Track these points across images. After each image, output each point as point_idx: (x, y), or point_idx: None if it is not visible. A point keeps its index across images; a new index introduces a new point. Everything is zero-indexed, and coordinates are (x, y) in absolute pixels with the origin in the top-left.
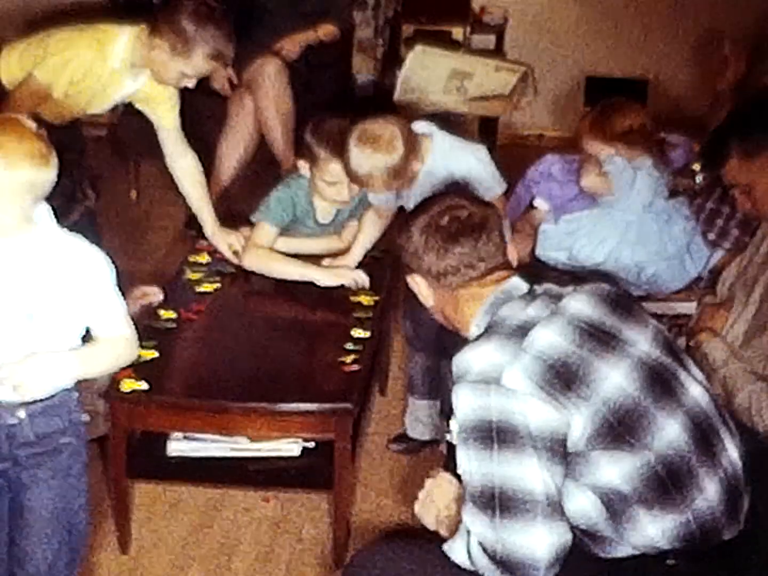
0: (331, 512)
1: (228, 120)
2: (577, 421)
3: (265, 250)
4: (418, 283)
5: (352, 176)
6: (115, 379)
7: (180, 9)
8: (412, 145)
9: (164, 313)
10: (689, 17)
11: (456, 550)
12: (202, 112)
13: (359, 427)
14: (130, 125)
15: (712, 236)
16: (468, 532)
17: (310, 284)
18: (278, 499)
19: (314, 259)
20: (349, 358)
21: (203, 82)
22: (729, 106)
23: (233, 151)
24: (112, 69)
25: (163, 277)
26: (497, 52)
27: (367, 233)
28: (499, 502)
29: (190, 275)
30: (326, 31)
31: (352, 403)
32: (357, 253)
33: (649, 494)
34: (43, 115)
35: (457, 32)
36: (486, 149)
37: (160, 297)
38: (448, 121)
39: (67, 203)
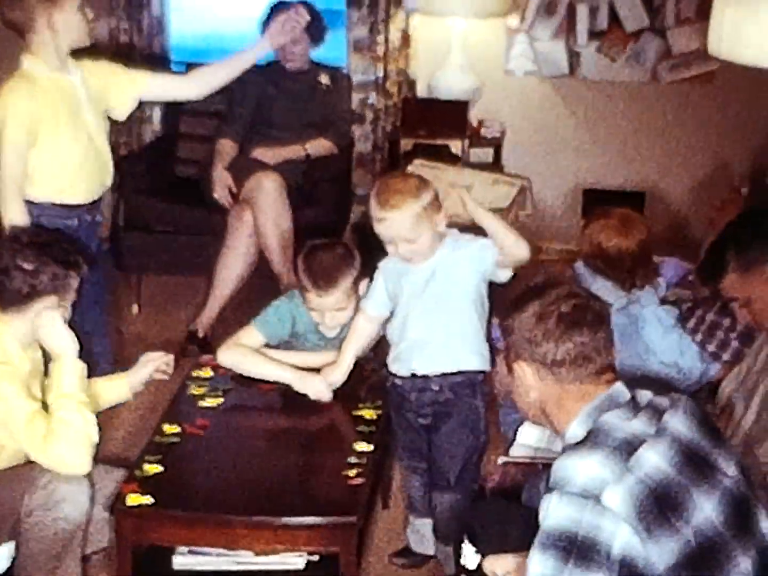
0: None
1: (227, 234)
2: (664, 549)
3: (244, 348)
4: (524, 372)
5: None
6: (120, 493)
7: None
8: (438, 200)
9: (168, 428)
10: (686, 130)
11: None
12: (202, 226)
13: (363, 540)
14: (131, 239)
15: (711, 348)
16: None
17: (313, 399)
18: None
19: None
20: (352, 472)
21: (204, 194)
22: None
23: (233, 264)
24: (45, 78)
25: (166, 391)
26: (495, 165)
27: (356, 341)
28: None
29: (194, 390)
30: (315, 145)
31: (356, 517)
32: (346, 363)
33: None
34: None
35: (456, 146)
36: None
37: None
38: None
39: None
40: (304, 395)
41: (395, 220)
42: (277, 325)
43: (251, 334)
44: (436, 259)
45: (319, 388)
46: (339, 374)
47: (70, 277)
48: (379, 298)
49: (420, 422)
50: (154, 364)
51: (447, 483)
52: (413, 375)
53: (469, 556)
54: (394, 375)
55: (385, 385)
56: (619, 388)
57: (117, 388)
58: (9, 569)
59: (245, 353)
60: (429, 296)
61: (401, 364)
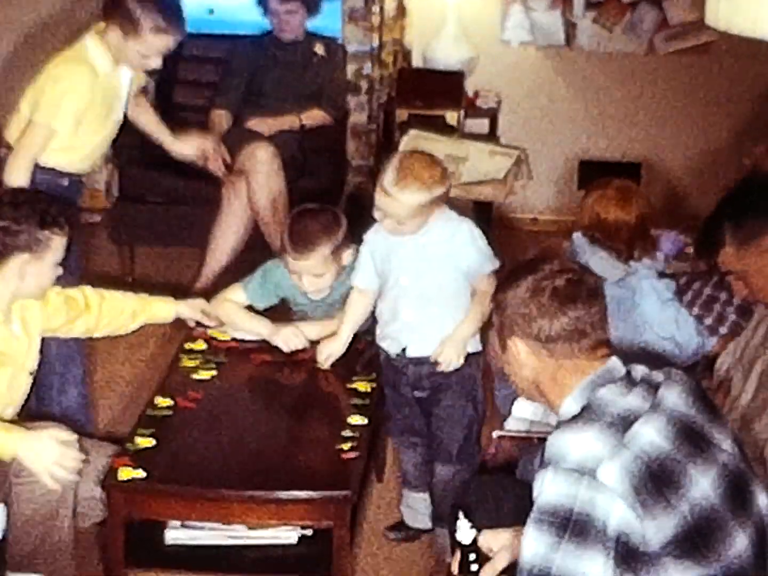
0: None
1: (222, 205)
2: (660, 526)
3: (228, 302)
4: (517, 348)
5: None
6: (112, 467)
7: None
8: (446, 194)
9: (161, 401)
10: (683, 101)
11: None
12: (196, 197)
13: (357, 514)
14: (125, 211)
15: (709, 321)
16: None
17: (307, 372)
18: None
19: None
20: (346, 445)
21: (201, 166)
22: None
23: (227, 235)
24: (105, 74)
25: (159, 364)
26: (491, 136)
27: (353, 315)
28: None
29: (187, 362)
30: (310, 116)
31: (350, 491)
32: (345, 336)
33: None
34: (69, 169)
35: (451, 117)
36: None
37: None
38: None
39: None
40: (299, 368)
41: (399, 201)
42: (260, 288)
43: (236, 292)
44: (428, 238)
45: (288, 338)
46: (337, 345)
47: (46, 236)
48: (367, 272)
49: (416, 396)
50: (202, 304)
51: (449, 456)
52: (404, 349)
53: (464, 531)
54: (386, 351)
55: (379, 359)
56: (615, 363)
57: (165, 309)
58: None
59: (227, 307)
60: (422, 277)
61: (392, 342)
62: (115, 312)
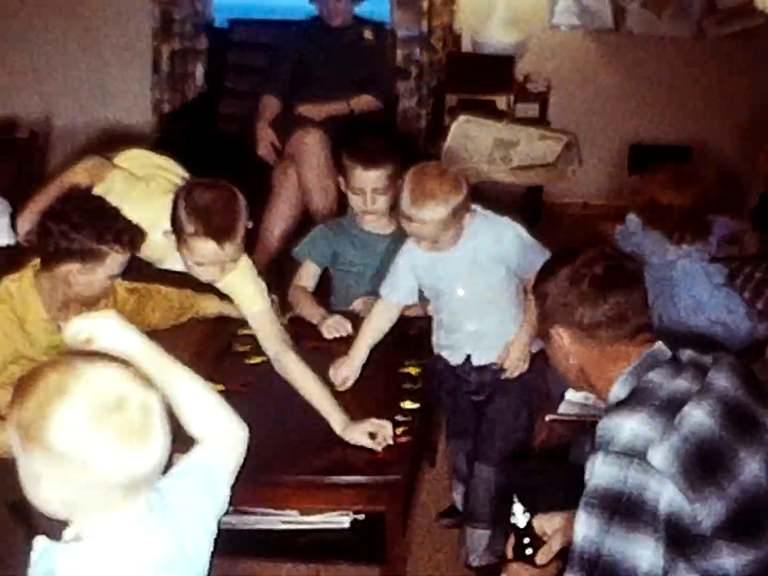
0: None
1: (272, 191)
2: (711, 508)
3: (297, 289)
4: (561, 337)
5: (407, 213)
6: None
7: (177, 202)
8: (467, 200)
9: (213, 386)
10: (732, 85)
11: None
12: (247, 183)
13: (410, 499)
14: None
15: (760, 305)
16: None
17: None
18: (328, 573)
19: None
20: (399, 430)
21: (251, 152)
22: None
23: (278, 221)
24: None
25: (212, 349)
26: (541, 120)
27: (371, 330)
28: (601, 571)
29: (239, 347)
30: (360, 101)
31: (402, 475)
32: (358, 359)
33: None
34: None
35: (501, 101)
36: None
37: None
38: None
39: (95, 242)
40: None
41: (420, 222)
42: (313, 244)
43: (304, 267)
44: (475, 244)
45: (331, 327)
46: (353, 367)
47: (101, 251)
48: (402, 287)
49: (473, 399)
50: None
51: (494, 457)
52: (468, 357)
53: (519, 515)
54: (446, 359)
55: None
56: (660, 347)
57: (211, 306)
58: None
59: (295, 292)
60: (477, 285)
61: (454, 351)
62: (167, 306)
